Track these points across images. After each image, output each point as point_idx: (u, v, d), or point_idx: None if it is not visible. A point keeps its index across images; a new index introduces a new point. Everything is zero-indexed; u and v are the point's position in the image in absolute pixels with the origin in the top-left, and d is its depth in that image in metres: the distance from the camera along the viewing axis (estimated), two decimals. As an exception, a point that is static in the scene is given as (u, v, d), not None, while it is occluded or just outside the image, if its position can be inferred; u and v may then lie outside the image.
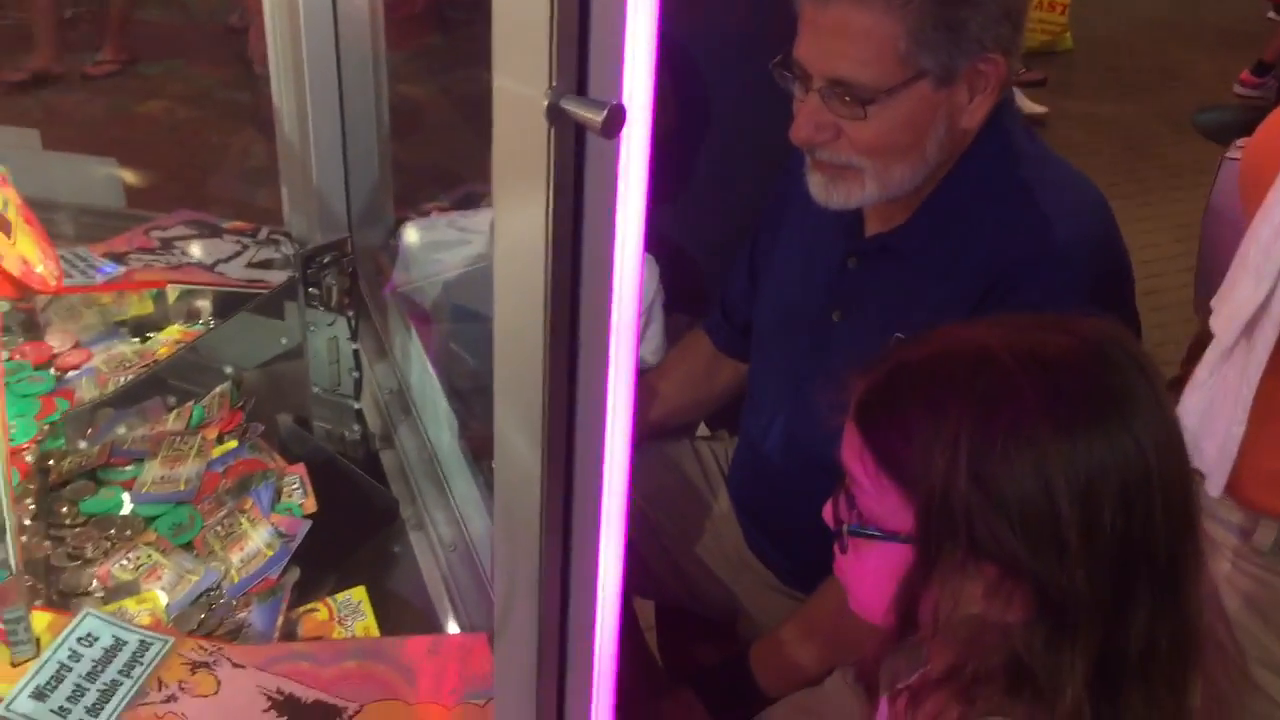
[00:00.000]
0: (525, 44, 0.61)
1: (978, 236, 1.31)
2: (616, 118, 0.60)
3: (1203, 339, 1.37)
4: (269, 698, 1.05)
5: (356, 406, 1.40)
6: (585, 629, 0.81)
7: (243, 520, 1.25)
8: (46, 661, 1.05)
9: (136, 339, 1.59)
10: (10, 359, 1.53)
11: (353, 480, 1.34)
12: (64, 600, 1.18)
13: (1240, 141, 1.49)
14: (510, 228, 0.68)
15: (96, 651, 1.07)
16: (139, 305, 1.63)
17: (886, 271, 1.39)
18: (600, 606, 0.80)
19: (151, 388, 1.47)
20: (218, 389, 1.47)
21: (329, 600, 1.19)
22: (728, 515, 1.69)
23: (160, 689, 1.04)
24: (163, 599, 1.18)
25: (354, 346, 1.37)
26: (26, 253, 1.10)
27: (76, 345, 1.56)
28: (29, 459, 1.36)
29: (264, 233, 1.78)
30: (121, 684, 1.04)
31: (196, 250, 1.72)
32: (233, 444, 1.39)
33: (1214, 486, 1.32)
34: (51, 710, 1.01)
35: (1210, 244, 1.59)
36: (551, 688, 0.83)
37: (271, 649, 1.11)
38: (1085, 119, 5.11)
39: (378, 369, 1.58)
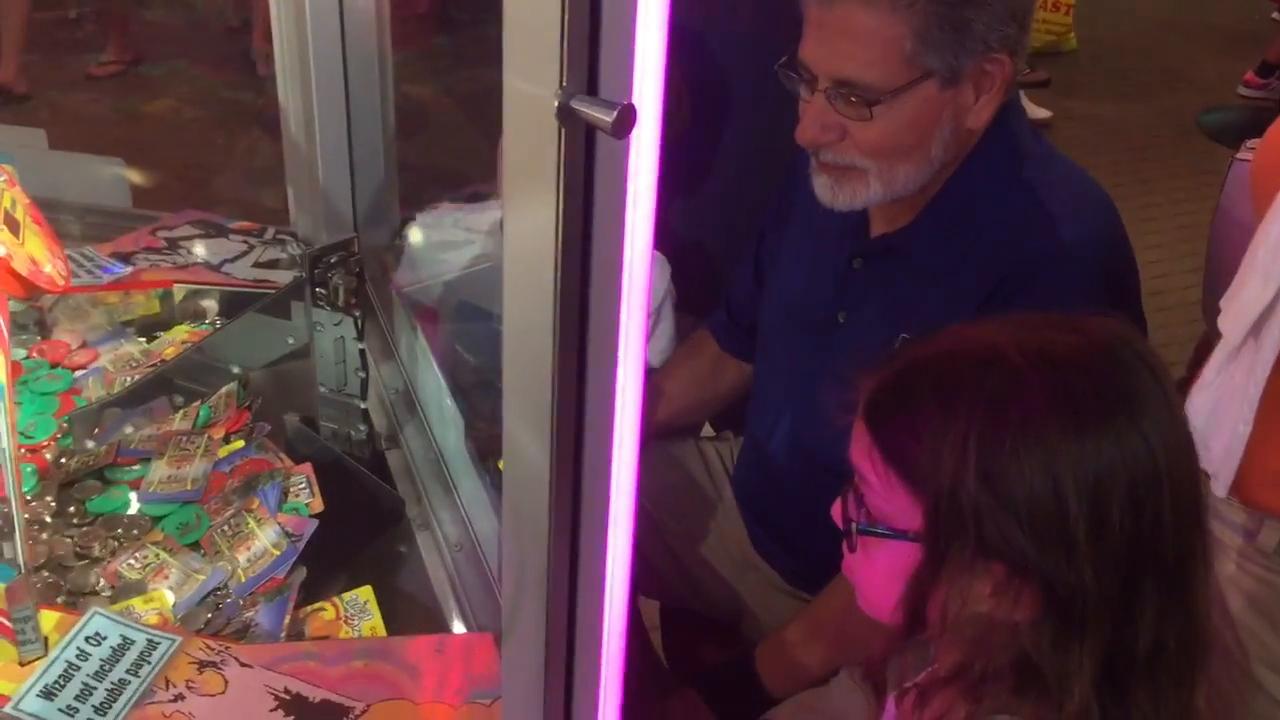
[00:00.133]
0: (536, 44, 0.61)
1: (984, 237, 1.32)
2: (627, 118, 0.60)
3: (1209, 341, 1.38)
4: (276, 697, 1.05)
5: (363, 406, 1.40)
6: (593, 629, 0.81)
7: (249, 520, 1.26)
8: (54, 660, 1.05)
9: (143, 339, 1.59)
10: (28, 357, 1.53)
11: (359, 480, 1.34)
12: (71, 599, 1.18)
13: (1251, 143, 1.49)
14: (520, 228, 0.68)
15: (104, 651, 1.07)
16: (145, 305, 1.64)
17: (892, 272, 1.39)
18: (608, 606, 0.81)
19: (158, 387, 1.48)
20: (224, 389, 1.48)
21: (336, 600, 1.19)
22: (732, 515, 1.69)
23: (168, 688, 1.04)
24: (170, 598, 1.18)
25: (360, 346, 1.37)
26: (35, 252, 1.10)
27: (83, 345, 1.56)
28: (48, 456, 1.37)
29: (270, 233, 1.78)
30: (129, 683, 1.04)
31: (203, 250, 1.72)
32: (239, 444, 1.39)
33: (1220, 486, 1.32)
34: (59, 709, 1.01)
35: (1219, 245, 1.59)
36: (559, 687, 0.83)
37: (278, 648, 1.11)
38: (1089, 120, 5.10)
39: (384, 369, 1.58)
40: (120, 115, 4.15)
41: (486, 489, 1.33)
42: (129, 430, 1.41)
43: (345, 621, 1.17)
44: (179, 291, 1.64)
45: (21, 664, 1.06)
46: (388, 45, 1.73)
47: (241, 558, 1.22)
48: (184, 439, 1.39)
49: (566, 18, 0.60)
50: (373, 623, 1.17)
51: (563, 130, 0.62)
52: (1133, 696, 0.90)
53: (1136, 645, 0.89)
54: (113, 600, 1.17)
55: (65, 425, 1.41)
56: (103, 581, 1.20)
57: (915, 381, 0.95)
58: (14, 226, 1.08)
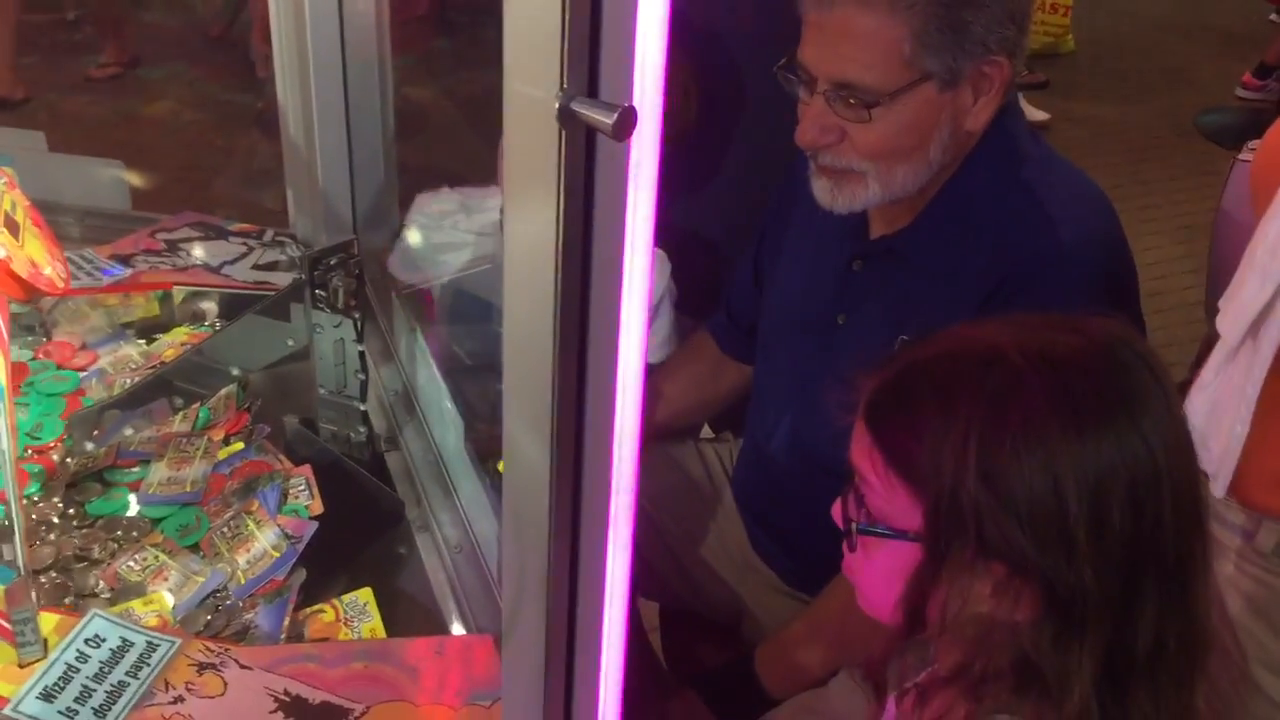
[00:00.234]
0: (537, 46, 0.62)
1: (983, 238, 1.32)
2: (627, 120, 0.60)
3: (1212, 342, 1.38)
4: (276, 699, 1.05)
5: (362, 408, 1.40)
6: (593, 630, 0.81)
7: (249, 522, 1.26)
8: (54, 662, 1.05)
9: (142, 341, 1.59)
10: (35, 358, 1.54)
11: (359, 482, 1.34)
12: (71, 601, 1.18)
13: (1252, 144, 1.49)
14: (521, 229, 0.68)
15: (104, 653, 1.07)
16: (145, 307, 1.64)
17: (891, 274, 1.40)
18: (608, 608, 0.81)
19: (158, 389, 1.48)
20: (224, 391, 1.48)
21: (335, 601, 1.19)
22: (732, 516, 1.69)
23: (167, 690, 1.04)
24: (169, 600, 1.18)
25: (360, 348, 1.37)
26: (35, 255, 1.10)
27: (83, 347, 1.56)
28: (55, 457, 1.37)
29: (269, 235, 1.78)
30: (129, 685, 1.04)
31: (202, 252, 1.72)
32: (239, 445, 1.39)
33: (1218, 487, 1.32)
34: (59, 711, 1.01)
35: (1221, 246, 1.60)
36: (559, 689, 0.83)
37: (278, 650, 1.11)
38: (1088, 121, 5.11)
39: (383, 370, 1.58)
40: (119, 118, 4.15)
41: (486, 491, 1.33)
42: (128, 432, 1.41)
43: (345, 623, 1.17)
44: (178, 293, 1.64)
45: (21, 666, 1.06)
46: (387, 47, 1.73)
47: (241, 560, 1.22)
48: (183, 441, 1.39)
49: (567, 20, 0.60)
50: (372, 624, 1.18)
51: (563, 132, 0.62)
52: (1133, 696, 0.90)
53: (1136, 645, 0.89)
54: (112, 602, 1.17)
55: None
56: (102, 583, 1.20)
57: (916, 382, 0.95)
58: (14, 229, 1.09)
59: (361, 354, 1.37)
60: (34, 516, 1.28)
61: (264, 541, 1.23)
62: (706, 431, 1.88)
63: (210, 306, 1.65)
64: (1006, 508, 0.87)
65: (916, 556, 0.93)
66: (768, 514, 1.63)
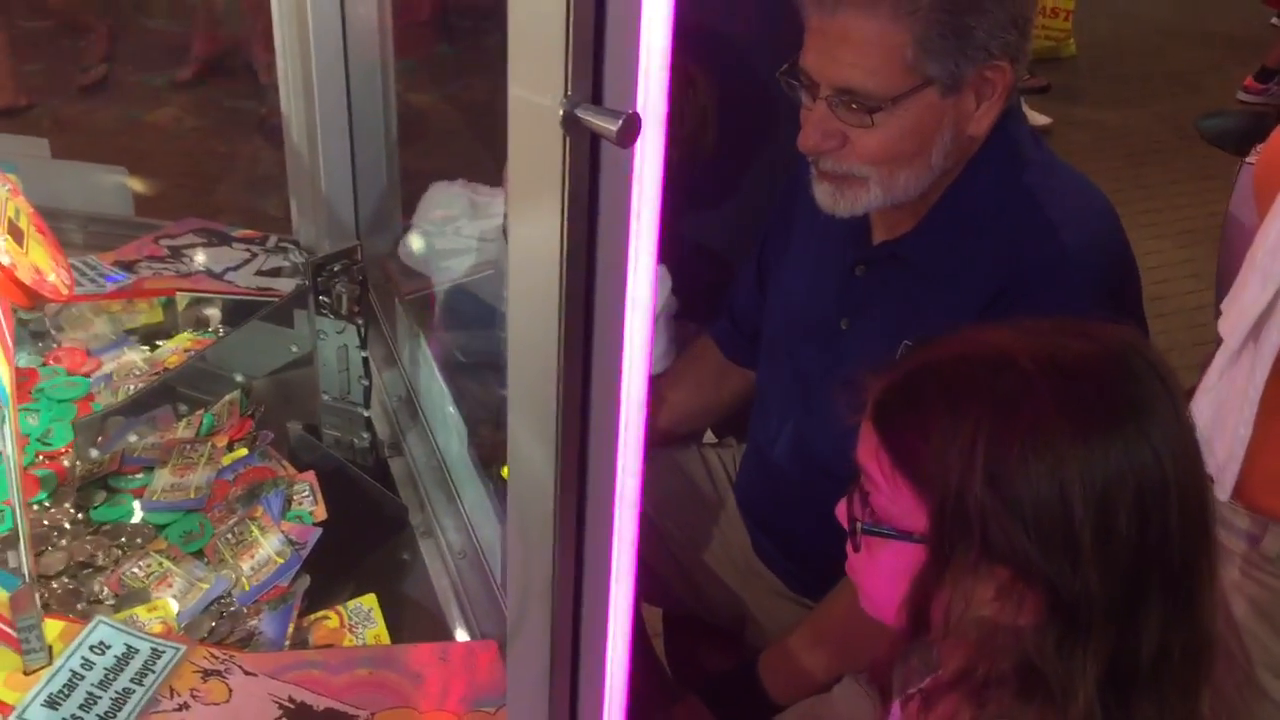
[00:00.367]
0: (540, 53, 0.62)
1: (985, 243, 1.32)
2: (632, 127, 0.60)
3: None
4: (280, 706, 1.05)
5: (366, 414, 1.41)
6: (597, 636, 0.81)
7: (253, 528, 1.26)
8: (59, 670, 1.05)
9: (146, 347, 1.60)
10: (45, 364, 1.54)
11: (362, 488, 1.34)
12: (83, 607, 1.18)
13: (1259, 147, 1.49)
14: (525, 236, 0.68)
15: (109, 660, 1.07)
16: (148, 313, 1.64)
17: (894, 279, 1.40)
18: (613, 613, 0.81)
19: (161, 396, 1.48)
20: (227, 397, 1.48)
21: (340, 608, 1.19)
22: (735, 522, 1.69)
23: (172, 697, 1.04)
24: (173, 607, 1.18)
25: (363, 354, 1.37)
26: (39, 261, 1.10)
27: (87, 354, 1.57)
28: (66, 463, 1.37)
29: (273, 241, 1.78)
30: (134, 692, 1.04)
31: (205, 258, 1.72)
32: (243, 452, 1.39)
33: (1222, 490, 1.32)
34: (64, 719, 1.01)
35: (1228, 250, 1.60)
36: (564, 695, 0.83)
37: (283, 657, 1.11)
38: (1089, 125, 5.11)
39: (386, 376, 1.59)
40: (122, 124, 4.16)
41: (489, 496, 1.33)
42: (132, 439, 1.42)
43: (349, 630, 1.17)
44: (182, 300, 1.64)
45: (26, 673, 1.06)
46: (389, 53, 1.73)
47: (245, 566, 1.22)
48: (187, 447, 1.39)
49: (571, 27, 0.60)
50: (376, 631, 1.18)
51: (567, 139, 0.63)
52: (1136, 704, 0.90)
53: (1141, 652, 0.89)
54: (116, 609, 1.17)
55: (80, 433, 1.41)
56: (106, 590, 1.20)
57: (925, 383, 0.95)
58: (18, 235, 1.09)
59: (365, 360, 1.38)
60: (45, 522, 1.28)
61: (268, 548, 1.23)
62: (709, 437, 1.88)
63: (213, 313, 1.65)
64: (1012, 511, 0.87)
65: (920, 558, 0.93)
66: (771, 519, 1.63)
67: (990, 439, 0.88)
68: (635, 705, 0.87)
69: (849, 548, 1.01)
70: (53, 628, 1.11)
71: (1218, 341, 1.37)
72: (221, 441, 1.40)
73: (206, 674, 1.07)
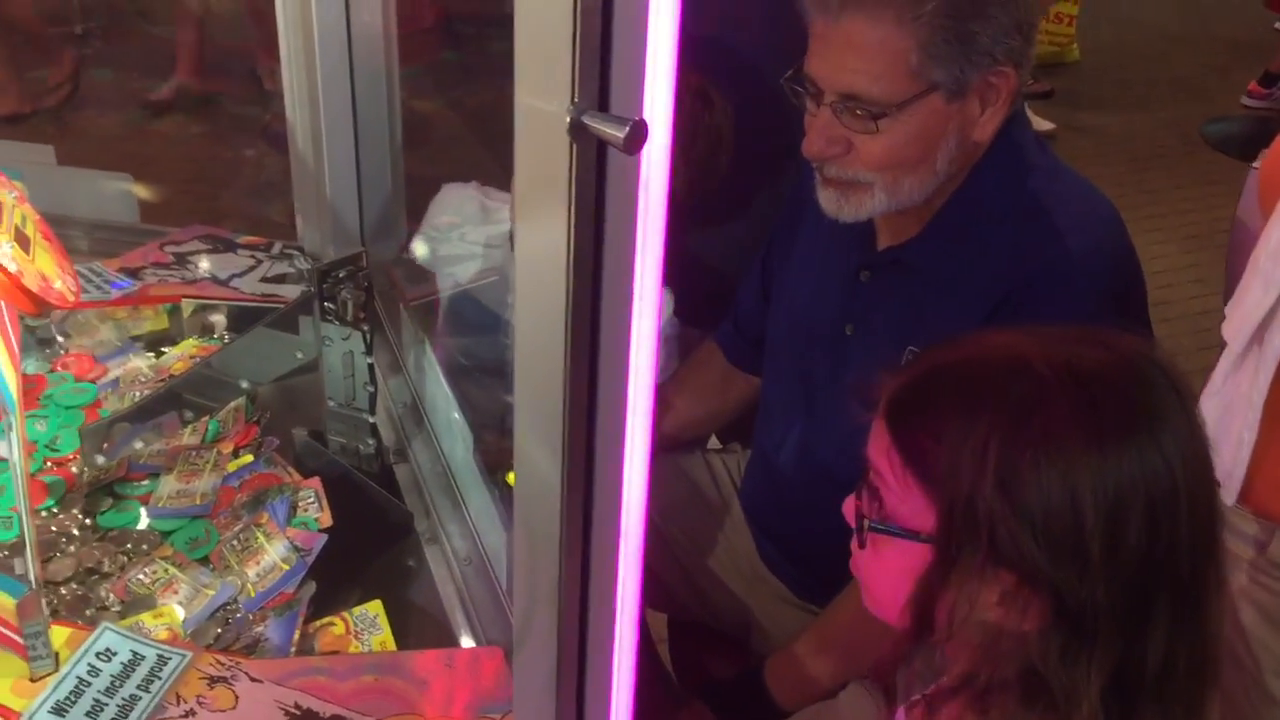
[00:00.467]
0: (548, 60, 0.62)
1: (990, 249, 1.32)
2: (639, 134, 0.61)
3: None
4: (287, 712, 1.05)
5: (371, 420, 1.41)
6: (604, 642, 0.81)
7: (259, 534, 1.26)
8: (65, 676, 1.05)
9: (151, 354, 1.60)
10: (53, 370, 1.54)
11: (368, 494, 1.34)
12: (91, 613, 1.18)
13: (1266, 152, 1.49)
14: (532, 242, 0.69)
15: (115, 666, 1.07)
16: (154, 320, 1.64)
17: (899, 285, 1.40)
18: (619, 620, 0.81)
19: (167, 402, 1.48)
20: (233, 403, 1.48)
21: (345, 614, 1.19)
22: (740, 528, 1.69)
23: (179, 704, 1.04)
24: (179, 613, 1.18)
25: (369, 360, 1.37)
26: (45, 268, 1.10)
27: (94, 360, 1.57)
28: (74, 469, 1.37)
29: (277, 247, 1.78)
30: (140, 699, 1.04)
31: (210, 265, 1.73)
32: (248, 458, 1.40)
33: (1228, 495, 1.32)
34: (70, 725, 1.01)
35: (1236, 255, 1.60)
36: (570, 701, 0.83)
37: (289, 663, 1.11)
38: (1093, 130, 5.11)
39: (391, 383, 1.59)
40: (127, 131, 4.16)
41: (494, 502, 1.33)
42: (138, 445, 1.42)
43: (355, 636, 1.17)
44: (187, 306, 1.65)
45: (33, 680, 1.06)
46: (394, 59, 1.73)
47: (251, 572, 1.22)
48: (193, 454, 1.39)
49: (578, 34, 0.60)
50: (382, 637, 1.18)
51: (574, 146, 0.63)
52: (1140, 714, 0.90)
53: (1146, 663, 0.89)
54: (122, 615, 1.17)
55: (89, 439, 1.41)
56: (112, 596, 1.20)
57: (940, 384, 0.95)
58: (25, 243, 1.09)
59: (370, 366, 1.38)
60: (53, 529, 1.28)
61: (273, 554, 1.23)
62: (714, 442, 1.88)
63: (219, 319, 1.66)
64: (1021, 516, 0.87)
65: (926, 558, 0.93)
66: (776, 525, 1.63)
67: (1003, 443, 0.88)
68: (641, 712, 0.87)
69: (854, 544, 1.01)
70: (59, 634, 1.11)
71: (1222, 346, 1.37)
72: (227, 448, 1.41)
73: (213, 680, 1.07)
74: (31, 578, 1.08)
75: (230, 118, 4.21)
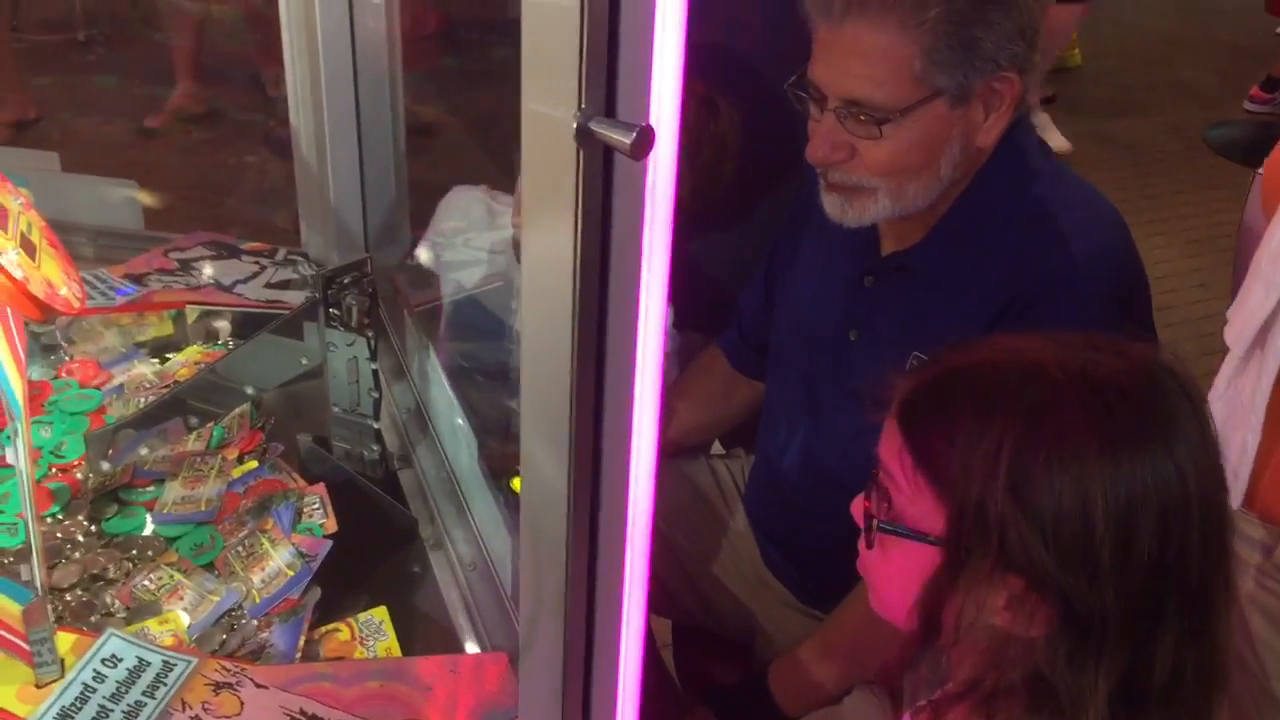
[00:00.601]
0: (554, 66, 0.62)
1: (995, 254, 1.32)
2: (645, 139, 0.61)
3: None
4: (292, 718, 1.05)
5: (376, 426, 1.41)
6: (610, 648, 0.81)
7: (264, 540, 1.26)
8: (71, 683, 1.05)
9: (156, 360, 1.60)
10: (57, 377, 1.54)
11: (372, 500, 1.34)
12: (96, 619, 1.18)
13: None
14: (539, 248, 0.69)
15: (120, 672, 1.07)
16: (158, 326, 1.64)
17: (903, 290, 1.40)
18: (625, 626, 0.81)
19: (172, 409, 1.48)
20: (238, 409, 1.48)
21: (351, 620, 1.19)
22: (744, 533, 1.69)
23: (184, 710, 1.04)
24: (184, 619, 1.18)
25: (373, 366, 1.37)
26: (51, 275, 1.10)
27: (98, 367, 1.57)
28: (79, 475, 1.37)
29: (282, 253, 1.79)
30: (145, 705, 1.04)
31: (215, 271, 1.73)
32: (253, 464, 1.40)
33: (1233, 499, 1.31)
34: (76, 731, 1.01)
35: (1241, 258, 1.60)
36: (576, 707, 0.83)
37: (294, 669, 1.11)
38: (1095, 135, 5.11)
39: (396, 388, 1.59)
40: (132, 137, 4.17)
41: (499, 508, 1.33)
42: (143, 451, 1.42)
43: (360, 642, 1.17)
44: (191, 312, 1.65)
45: (39, 686, 1.06)
46: (398, 65, 1.74)
47: (256, 578, 1.22)
48: (198, 460, 1.39)
49: (585, 40, 0.60)
50: (388, 643, 1.18)
51: (581, 151, 0.63)
52: None
53: (1154, 671, 0.89)
54: (128, 622, 1.17)
55: (95, 445, 1.42)
56: (118, 603, 1.20)
57: (953, 387, 0.95)
58: (30, 249, 1.09)
59: (375, 372, 1.38)
60: (58, 535, 1.28)
61: (279, 560, 1.23)
62: (717, 448, 1.88)
63: (223, 325, 1.66)
64: (1032, 521, 0.87)
65: (934, 560, 0.93)
66: (780, 530, 1.63)
67: (1016, 447, 0.88)
68: (646, 717, 0.87)
69: (861, 544, 1.01)
70: (65, 640, 1.11)
71: (1225, 350, 1.37)
72: (232, 454, 1.41)
73: (218, 687, 1.07)
74: (37, 584, 1.08)
75: (233, 124, 4.22)
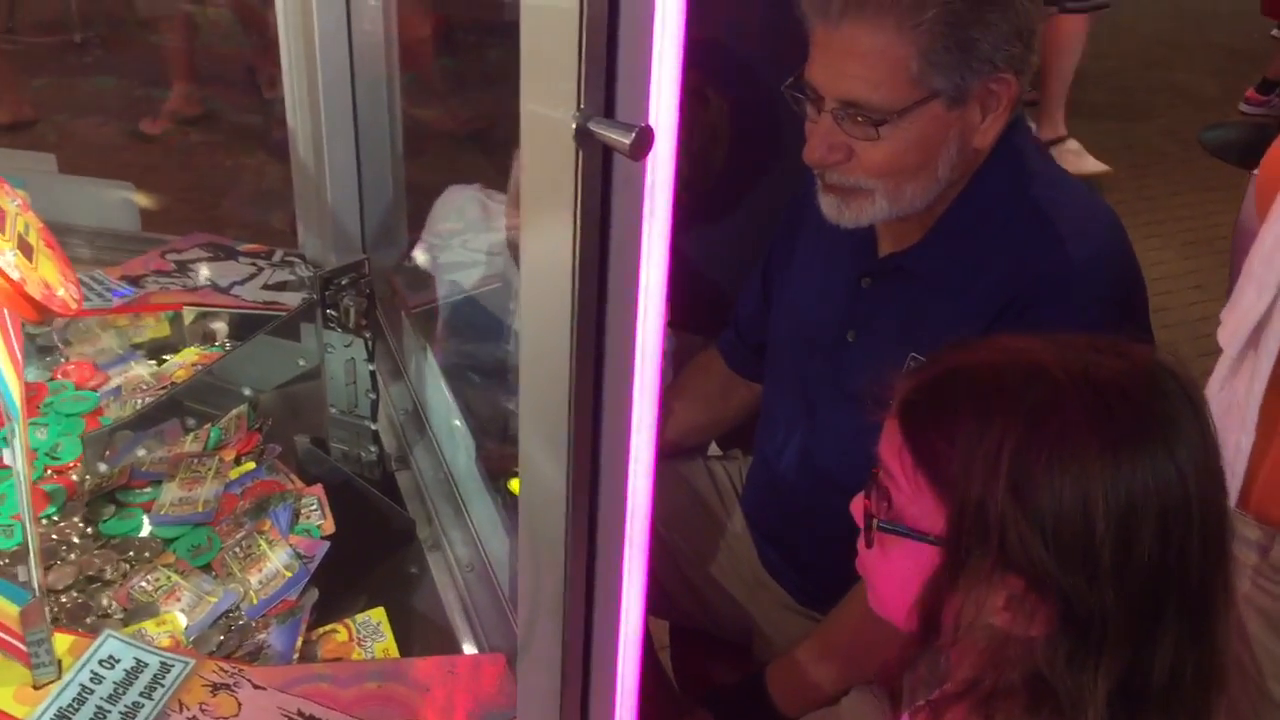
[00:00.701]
0: (553, 67, 0.62)
1: (992, 256, 1.32)
2: (644, 140, 0.61)
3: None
4: (289, 719, 1.05)
5: (373, 427, 1.41)
6: (608, 649, 0.81)
7: (261, 541, 1.26)
8: (68, 684, 1.05)
9: (153, 361, 1.60)
10: (53, 378, 1.54)
11: (370, 501, 1.34)
12: (91, 621, 1.18)
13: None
14: (537, 248, 0.69)
15: (118, 674, 1.07)
16: (155, 328, 1.64)
17: (901, 291, 1.40)
18: (623, 627, 0.81)
19: (169, 410, 1.48)
20: (235, 411, 1.48)
21: (348, 621, 1.19)
22: (742, 534, 1.69)
23: (182, 711, 1.04)
24: (182, 621, 1.18)
25: (371, 368, 1.37)
26: (48, 276, 1.10)
27: (95, 368, 1.57)
28: (74, 477, 1.37)
29: (279, 254, 1.78)
30: (143, 706, 1.04)
31: (211, 272, 1.73)
32: (250, 465, 1.40)
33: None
34: (73, 732, 1.01)
35: (1237, 260, 1.60)
36: (574, 708, 0.83)
37: (292, 670, 1.11)
38: (1091, 137, 5.11)
39: (393, 390, 1.59)
40: (128, 139, 4.17)
41: (497, 509, 1.33)
42: (140, 453, 1.42)
43: (358, 643, 1.17)
44: (188, 314, 1.65)
45: (36, 687, 1.06)
46: (395, 66, 1.74)
47: (253, 579, 1.22)
48: (195, 461, 1.39)
49: (584, 41, 0.60)
50: (385, 644, 1.17)
51: (580, 152, 0.63)
52: None
53: (1153, 672, 0.89)
54: (125, 623, 1.17)
55: (91, 447, 1.41)
56: (115, 604, 1.20)
57: (955, 387, 0.95)
58: (27, 250, 1.09)
59: (372, 373, 1.38)
60: (54, 537, 1.28)
61: (276, 561, 1.23)
62: (714, 449, 1.88)
63: (220, 327, 1.66)
64: (1033, 521, 0.87)
65: (934, 560, 0.93)
66: (777, 531, 1.63)
67: (1017, 447, 0.88)
68: (644, 719, 0.87)
69: (861, 543, 1.01)
70: (62, 641, 1.10)
71: (1220, 352, 1.37)
72: (229, 455, 1.41)
73: (215, 688, 1.07)
74: (35, 584, 1.08)
75: (230, 125, 4.22)
